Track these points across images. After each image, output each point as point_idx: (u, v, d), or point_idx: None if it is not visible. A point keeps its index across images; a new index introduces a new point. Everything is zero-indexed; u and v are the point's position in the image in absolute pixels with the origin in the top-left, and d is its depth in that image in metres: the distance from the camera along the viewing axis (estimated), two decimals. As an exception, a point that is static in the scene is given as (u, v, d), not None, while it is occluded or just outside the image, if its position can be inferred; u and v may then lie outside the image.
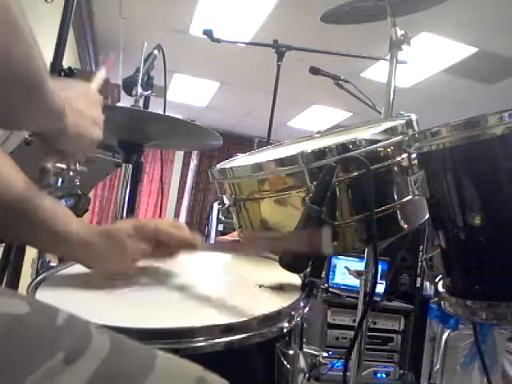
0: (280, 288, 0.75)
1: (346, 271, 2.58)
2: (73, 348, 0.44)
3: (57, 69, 1.67)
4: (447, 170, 0.87)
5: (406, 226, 0.96)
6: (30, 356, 0.42)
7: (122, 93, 1.67)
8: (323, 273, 0.75)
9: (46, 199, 0.71)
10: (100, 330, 0.48)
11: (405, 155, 0.93)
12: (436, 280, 0.98)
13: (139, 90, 1.56)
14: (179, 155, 7.50)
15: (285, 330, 0.62)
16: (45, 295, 0.67)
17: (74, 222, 0.73)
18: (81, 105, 0.69)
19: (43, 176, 0.70)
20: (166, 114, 1.45)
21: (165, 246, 0.77)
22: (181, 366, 0.51)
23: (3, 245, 1.39)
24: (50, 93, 0.59)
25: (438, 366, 2.82)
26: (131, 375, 0.46)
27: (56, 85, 0.62)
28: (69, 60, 3.12)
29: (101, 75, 0.88)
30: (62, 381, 0.42)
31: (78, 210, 1.41)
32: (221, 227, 4.14)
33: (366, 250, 1.48)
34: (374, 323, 3.03)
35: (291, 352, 0.62)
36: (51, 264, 1.37)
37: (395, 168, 0.94)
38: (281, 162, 0.92)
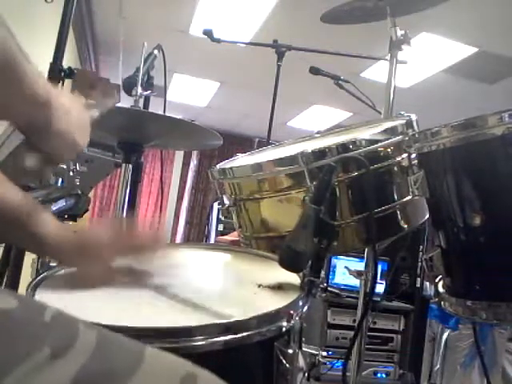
0: (279, 287, 0.75)
1: (346, 271, 2.58)
2: (59, 344, 0.44)
3: (57, 69, 1.67)
4: (447, 170, 0.87)
5: (405, 226, 0.96)
6: (16, 351, 0.42)
7: (122, 93, 1.67)
8: (322, 272, 0.75)
9: (22, 198, 0.71)
10: (88, 326, 0.48)
11: (405, 155, 0.93)
12: (436, 280, 0.98)
13: (139, 89, 1.55)
14: (179, 155, 7.50)
15: (284, 329, 0.62)
16: (44, 295, 0.67)
17: (52, 223, 0.72)
18: (70, 105, 0.68)
19: (22, 177, 0.69)
20: (166, 114, 1.45)
21: (141, 248, 0.77)
22: (170, 361, 0.51)
23: (3, 245, 1.40)
24: (28, 78, 0.59)
25: (438, 366, 2.82)
26: (118, 371, 0.46)
27: (45, 81, 0.61)
28: (69, 60, 3.12)
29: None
30: (48, 376, 0.42)
31: (78, 209, 1.41)
32: (221, 227, 4.14)
33: (366, 249, 1.48)
34: (374, 323, 3.03)
35: (290, 351, 0.62)
36: (51, 264, 1.37)
37: (395, 168, 0.94)
38: (281, 162, 0.92)
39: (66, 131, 0.68)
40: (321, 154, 0.87)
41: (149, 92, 1.65)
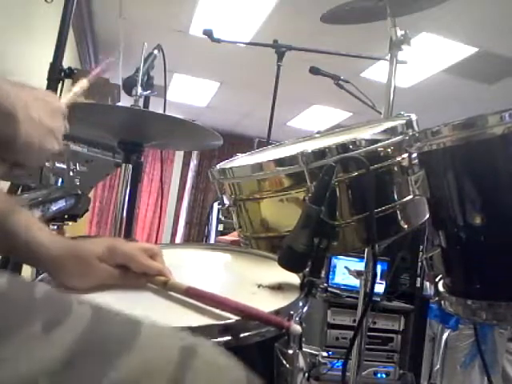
0: (279, 288, 0.75)
1: (345, 271, 2.58)
2: (51, 317, 0.44)
3: (57, 69, 1.67)
4: (448, 170, 0.87)
5: (405, 226, 0.96)
6: (6, 325, 0.42)
7: (122, 93, 1.67)
8: (322, 272, 0.75)
9: (18, 210, 0.70)
10: (81, 301, 0.48)
11: (405, 155, 0.93)
12: (436, 279, 0.98)
13: (139, 89, 1.55)
14: (179, 155, 7.50)
15: (284, 330, 0.62)
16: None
17: (46, 234, 0.71)
18: (39, 114, 0.65)
19: None
20: (166, 113, 1.45)
21: (134, 273, 0.74)
22: (167, 332, 0.50)
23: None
24: None
25: (438, 366, 2.81)
26: (115, 342, 0.45)
27: (10, 89, 0.59)
28: (69, 60, 3.11)
29: (82, 84, 0.85)
30: (40, 348, 0.42)
31: (78, 210, 1.41)
32: (221, 227, 4.14)
33: (366, 249, 1.48)
34: (374, 323, 3.03)
35: (290, 351, 0.62)
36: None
37: (395, 168, 0.94)
38: (281, 161, 0.92)
39: (34, 141, 0.65)
40: (321, 153, 0.87)
41: (149, 92, 1.64)
